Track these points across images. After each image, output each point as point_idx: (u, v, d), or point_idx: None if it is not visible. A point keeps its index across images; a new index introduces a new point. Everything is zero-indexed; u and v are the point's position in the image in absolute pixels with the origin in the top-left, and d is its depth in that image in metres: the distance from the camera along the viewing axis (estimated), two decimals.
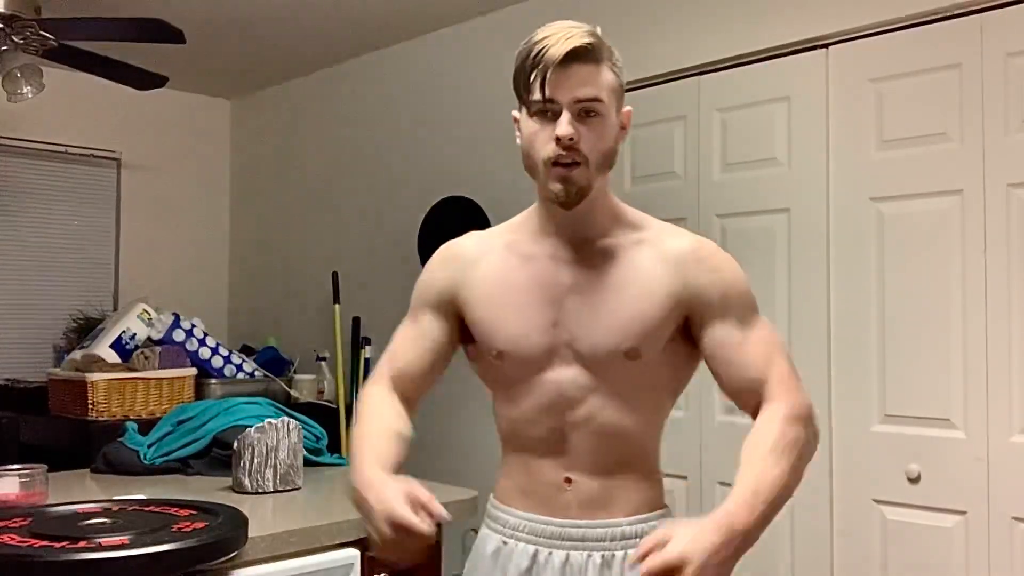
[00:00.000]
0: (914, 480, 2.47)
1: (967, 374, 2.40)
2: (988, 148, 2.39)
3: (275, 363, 4.25)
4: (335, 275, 4.12)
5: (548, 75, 1.30)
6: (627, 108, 1.41)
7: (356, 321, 4.10)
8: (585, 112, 1.32)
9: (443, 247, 1.56)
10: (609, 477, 1.41)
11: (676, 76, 3.05)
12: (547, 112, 1.32)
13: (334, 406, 4.00)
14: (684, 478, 2.98)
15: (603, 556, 1.38)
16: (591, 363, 1.40)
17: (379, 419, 1.45)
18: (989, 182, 2.38)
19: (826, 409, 2.64)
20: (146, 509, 1.85)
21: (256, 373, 4.08)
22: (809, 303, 2.70)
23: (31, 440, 3.60)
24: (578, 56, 1.30)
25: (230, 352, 4.04)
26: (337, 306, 4.06)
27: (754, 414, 1.37)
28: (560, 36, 1.31)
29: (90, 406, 3.37)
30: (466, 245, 1.53)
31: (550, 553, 1.40)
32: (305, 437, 2.55)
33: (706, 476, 2.91)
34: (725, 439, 2.87)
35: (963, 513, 2.39)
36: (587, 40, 1.31)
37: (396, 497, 1.21)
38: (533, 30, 1.35)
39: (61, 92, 4.05)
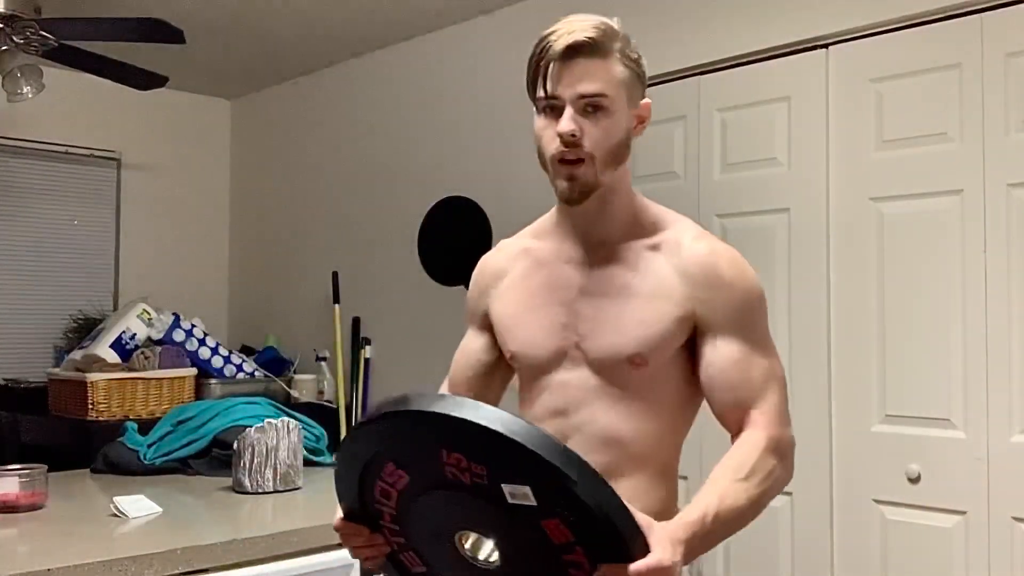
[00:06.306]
0: (914, 480, 2.47)
1: (967, 374, 2.40)
2: (988, 148, 2.39)
3: (275, 363, 4.25)
4: (335, 275, 4.12)
5: (550, 71, 1.29)
6: (645, 100, 1.39)
7: (356, 321, 4.10)
8: (592, 107, 1.29)
9: (479, 262, 1.59)
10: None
11: (676, 76, 3.04)
12: (553, 108, 1.31)
13: (334, 406, 4.00)
14: (684, 478, 2.97)
15: None
16: (597, 367, 1.40)
17: None
18: (989, 182, 2.38)
19: (826, 409, 2.64)
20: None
21: (256, 373, 4.08)
22: (809, 303, 2.70)
23: (31, 440, 3.61)
24: (581, 51, 1.28)
25: (230, 352, 4.04)
26: (337, 306, 4.05)
27: (735, 436, 1.37)
28: (563, 31, 1.29)
29: (90, 406, 3.38)
30: (492, 258, 1.56)
31: None
32: (305, 437, 2.55)
33: (706, 476, 2.90)
34: (725, 440, 2.86)
35: (963, 513, 2.39)
36: (589, 34, 1.29)
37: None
38: (533, 30, 1.35)
39: (61, 92, 4.04)
